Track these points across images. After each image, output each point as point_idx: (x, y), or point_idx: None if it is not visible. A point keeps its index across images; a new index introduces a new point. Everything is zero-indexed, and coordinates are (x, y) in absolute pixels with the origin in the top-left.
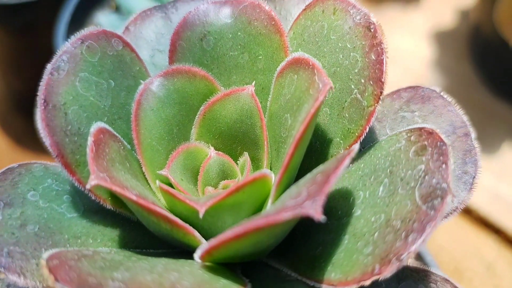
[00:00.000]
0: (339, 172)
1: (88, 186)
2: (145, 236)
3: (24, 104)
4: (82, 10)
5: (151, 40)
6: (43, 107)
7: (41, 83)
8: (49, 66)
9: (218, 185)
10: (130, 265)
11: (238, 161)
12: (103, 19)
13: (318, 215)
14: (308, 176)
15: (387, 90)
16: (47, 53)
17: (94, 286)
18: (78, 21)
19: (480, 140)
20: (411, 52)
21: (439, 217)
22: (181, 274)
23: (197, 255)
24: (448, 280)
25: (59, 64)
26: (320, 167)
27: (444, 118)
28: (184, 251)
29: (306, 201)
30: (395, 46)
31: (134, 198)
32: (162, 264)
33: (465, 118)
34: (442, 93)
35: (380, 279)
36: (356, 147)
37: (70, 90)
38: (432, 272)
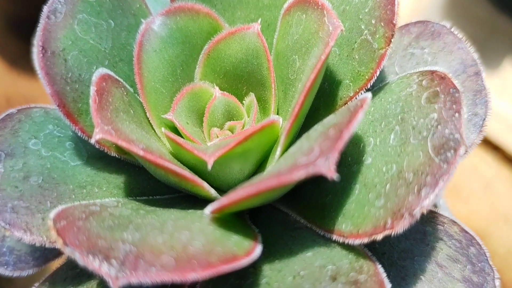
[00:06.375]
0: (352, 127)
1: (92, 141)
2: (150, 181)
3: (17, 26)
4: None
5: None
6: (41, 55)
7: (38, 28)
8: (45, 9)
9: (223, 126)
10: (139, 221)
11: (243, 102)
12: None
13: (331, 173)
14: (320, 128)
15: None
16: None
17: (105, 250)
18: None
19: (481, 55)
20: None
21: (452, 171)
22: (192, 233)
23: (208, 210)
24: (455, 222)
25: (55, 6)
26: (332, 118)
27: (455, 56)
28: (191, 196)
29: (319, 158)
30: None
31: (141, 153)
32: (172, 220)
33: (475, 56)
34: (452, 29)
35: (392, 234)
36: (369, 98)
37: (69, 34)
38: (440, 214)
